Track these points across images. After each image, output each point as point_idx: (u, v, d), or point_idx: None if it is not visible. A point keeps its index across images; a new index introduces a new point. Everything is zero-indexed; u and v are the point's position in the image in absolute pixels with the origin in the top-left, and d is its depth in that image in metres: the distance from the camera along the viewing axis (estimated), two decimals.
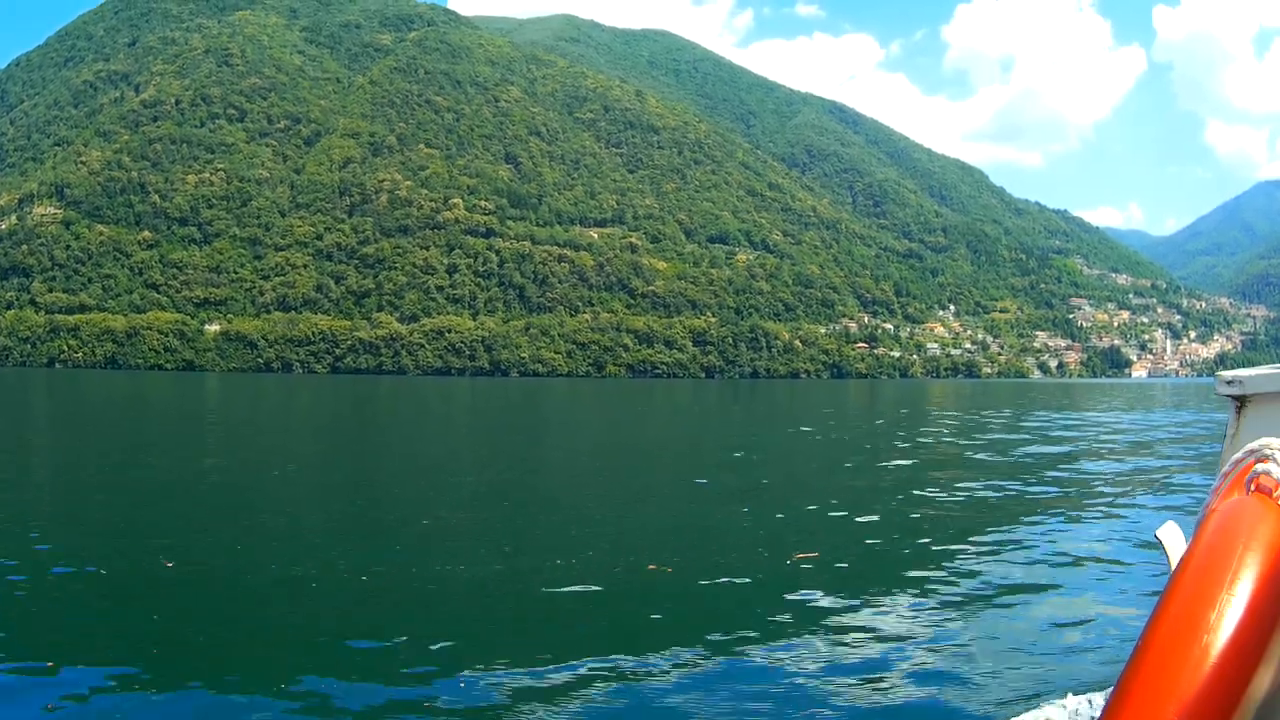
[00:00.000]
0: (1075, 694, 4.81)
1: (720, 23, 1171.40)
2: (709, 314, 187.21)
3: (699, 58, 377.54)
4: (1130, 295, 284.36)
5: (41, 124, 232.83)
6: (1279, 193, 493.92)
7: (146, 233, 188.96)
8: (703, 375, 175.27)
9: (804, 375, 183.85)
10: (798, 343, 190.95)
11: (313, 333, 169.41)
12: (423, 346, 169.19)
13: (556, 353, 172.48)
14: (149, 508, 13.48)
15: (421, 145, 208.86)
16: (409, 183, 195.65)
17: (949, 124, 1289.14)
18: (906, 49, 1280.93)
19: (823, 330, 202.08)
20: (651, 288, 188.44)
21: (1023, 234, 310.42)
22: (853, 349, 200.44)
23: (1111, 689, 1.46)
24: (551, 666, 6.39)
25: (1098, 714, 1.52)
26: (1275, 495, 1.74)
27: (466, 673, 6.29)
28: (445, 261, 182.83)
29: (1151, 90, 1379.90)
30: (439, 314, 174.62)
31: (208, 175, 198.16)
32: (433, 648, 6.79)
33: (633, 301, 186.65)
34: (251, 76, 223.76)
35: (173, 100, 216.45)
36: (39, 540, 10.52)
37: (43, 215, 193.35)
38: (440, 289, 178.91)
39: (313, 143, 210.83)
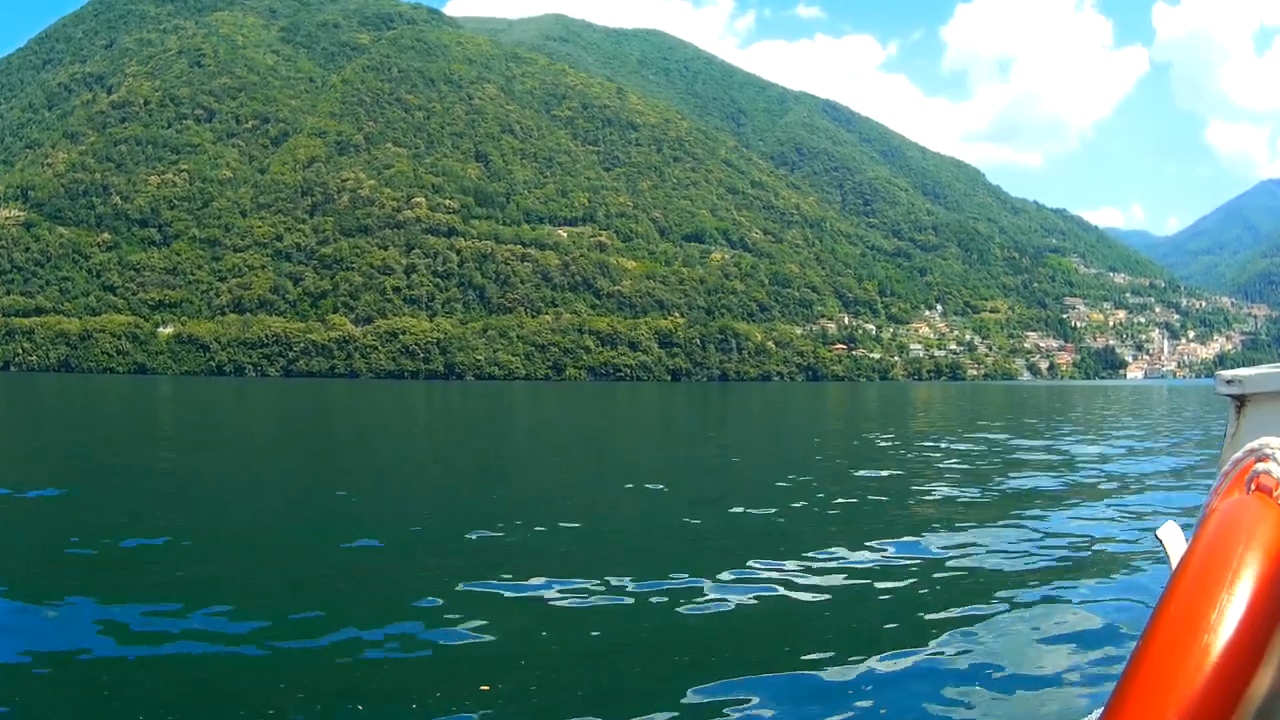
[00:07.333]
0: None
1: (722, 25, 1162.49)
2: (677, 314, 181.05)
3: (690, 57, 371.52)
4: (1127, 294, 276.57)
5: (15, 127, 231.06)
6: None
7: (106, 234, 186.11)
8: (669, 378, 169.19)
9: (777, 378, 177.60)
10: (771, 344, 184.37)
11: (266, 335, 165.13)
12: (376, 349, 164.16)
13: (514, 355, 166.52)
14: None
15: (389, 144, 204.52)
16: (372, 181, 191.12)
17: (948, 125, 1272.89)
18: (905, 49, 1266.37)
19: (799, 331, 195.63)
20: (618, 288, 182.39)
21: (1018, 232, 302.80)
22: (829, 351, 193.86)
23: (1112, 690, 1.45)
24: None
25: (1099, 714, 1.57)
26: (1275, 495, 1.73)
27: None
28: (404, 261, 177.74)
29: (1152, 89, 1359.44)
30: (394, 315, 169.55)
31: (170, 176, 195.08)
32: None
33: (598, 302, 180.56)
34: (222, 76, 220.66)
35: (142, 101, 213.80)
36: None
37: (5, 218, 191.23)
38: (397, 289, 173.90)
39: (280, 143, 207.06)
